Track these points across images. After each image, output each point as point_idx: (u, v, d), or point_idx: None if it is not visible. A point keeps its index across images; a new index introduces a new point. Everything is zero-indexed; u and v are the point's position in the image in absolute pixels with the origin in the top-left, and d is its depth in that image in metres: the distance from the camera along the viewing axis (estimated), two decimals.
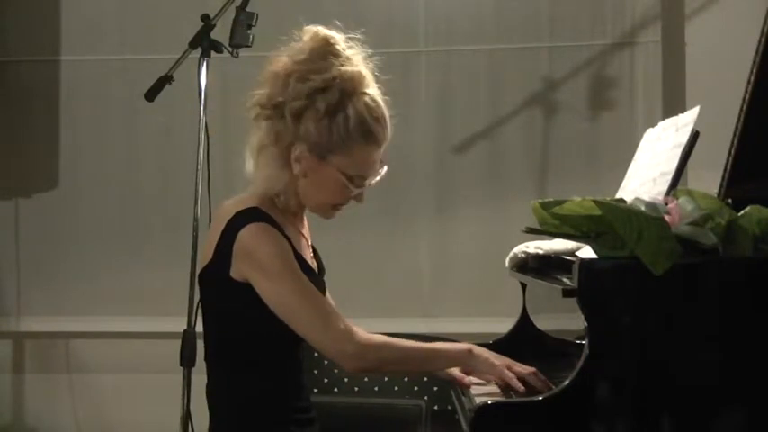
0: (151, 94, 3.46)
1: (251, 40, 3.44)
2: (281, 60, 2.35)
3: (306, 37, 2.38)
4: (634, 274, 1.98)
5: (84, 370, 4.70)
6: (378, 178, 2.44)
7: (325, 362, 4.08)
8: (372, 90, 2.38)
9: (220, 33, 3.46)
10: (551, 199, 2.07)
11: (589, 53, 4.46)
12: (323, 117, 2.29)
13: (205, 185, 3.36)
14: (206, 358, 2.46)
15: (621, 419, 2.00)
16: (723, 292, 2.02)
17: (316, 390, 4.05)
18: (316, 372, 4.08)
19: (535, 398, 2.03)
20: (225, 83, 4.38)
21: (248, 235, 2.28)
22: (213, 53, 3.44)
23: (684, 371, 2.00)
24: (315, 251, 2.56)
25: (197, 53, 3.45)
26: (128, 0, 4.68)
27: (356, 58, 2.37)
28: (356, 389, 4.08)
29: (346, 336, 2.30)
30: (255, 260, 2.28)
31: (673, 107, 4.08)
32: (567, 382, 1.98)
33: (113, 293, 4.57)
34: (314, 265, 2.50)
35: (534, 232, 2.11)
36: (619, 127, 4.40)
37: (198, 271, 2.44)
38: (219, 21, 3.44)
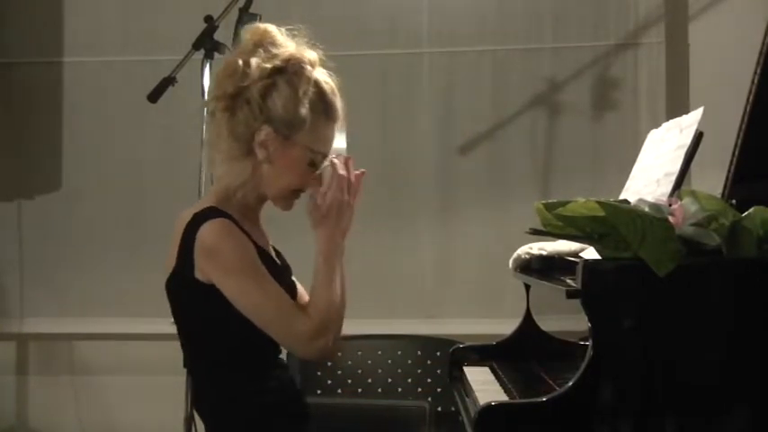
0: (154, 96, 3.46)
1: None
2: (232, 59, 2.42)
3: (248, 35, 2.44)
4: (638, 275, 1.98)
5: (88, 372, 4.70)
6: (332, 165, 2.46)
7: (329, 363, 4.09)
8: (324, 69, 2.45)
9: (223, 35, 3.46)
10: (555, 200, 2.07)
11: (593, 54, 4.46)
12: (288, 93, 2.35)
13: (208, 187, 3.35)
14: (188, 369, 2.48)
15: (625, 420, 2.00)
16: (726, 293, 2.02)
17: (319, 391, 4.05)
18: (319, 373, 4.09)
19: (539, 399, 2.03)
20: None
21: (207, 232, 2.30)
22: (216, 54, 3.44)
23: (688, 372, 2.00)
24: (278, 252, 2.58)
25: (200, 54, 3.45)
26: (130, 1, 4.68)
27: (302, 42, 2.45)
28: (359, 390, 4.09)
29: (308, 333, 2.32)
30: (217, 257, 2.30)
31: (676, 108, 4.08)
32: (570, 383, 1.98)
33: (117, 295, 4.57)
34: (277, 261, 2.52)
35: (538, 233, 2.10)
36: (622, 128, 4.40)
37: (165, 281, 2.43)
38: (222, 22, 3.44)
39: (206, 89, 3.39)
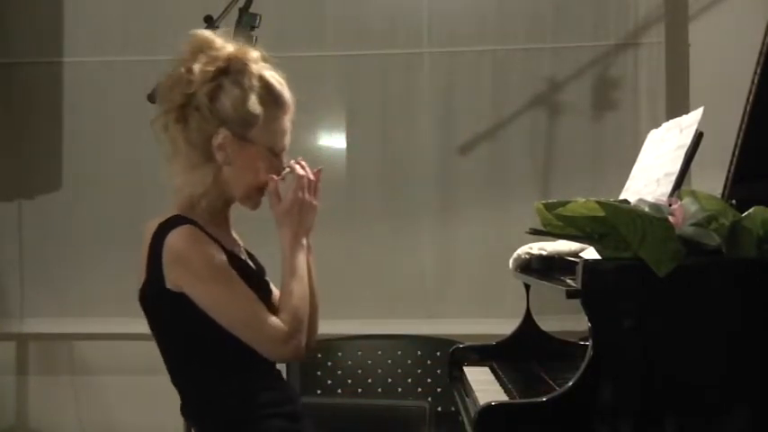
0: (154, 96, 3.46)
1: (254, 41, 3.44)
2: (173, 70, 2.41)
3: (186, 44, 2.43)
4: (638, 275, 1.98)
5: (88, 372, 4.70)
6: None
7: (329, 363, 4.09)
8: (267, 63, 2.44)
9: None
10: (555, 200, 2.07)
11: (592, 54, 4.46)
12: (235, 92, 2.35)
13: None
14: (173, 380, 2.46)
15: (625, 420, 2.00)
16: (726, 293, 2.02)
17: (319, 391, 4.06)
18: (319, 373, 4.09)
19: (539, 399, 2.03)
20: None
21: (174, 241, 2.31)
22: None
23: (688, 372, 2.00)
24: (251, 255, 2.58)
25: None
26: (131, 2, 4.68)
27: (240, 42, 2.46)
28: (360, 390, 4.09)
29: (279, 336, 2.32)
30: (185, 264, 2.30)
31: (676, 108, 4.08)
32: (570, 383, 1.98)
33: (117, 295, 4.54)
34: (249, 262, 2.52)
35: (538, 233, 2.10)
36: (622, 128, 4.40)
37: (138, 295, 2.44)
38: (222, 22, 3.44)
39: None
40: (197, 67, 2.35)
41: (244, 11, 3.41)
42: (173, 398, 3.43)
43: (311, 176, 2.45)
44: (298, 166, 2.44)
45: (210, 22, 3.41)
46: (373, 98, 4.58)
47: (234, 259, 2.38)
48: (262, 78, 2.39)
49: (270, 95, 2.39)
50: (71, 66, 4.69)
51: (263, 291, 2.44)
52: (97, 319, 4.62)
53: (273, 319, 2.33)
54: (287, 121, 2.44)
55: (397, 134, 4.57)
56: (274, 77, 2.41)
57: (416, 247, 4.54)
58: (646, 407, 1.98)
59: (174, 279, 2.31)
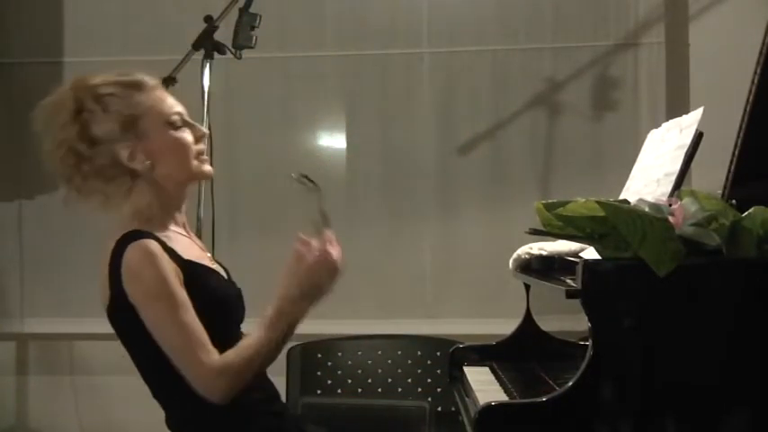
0: None
1: (254, 41, 3.45)
2: (45, 149, 2.41)
3: (35, 123, 2.42)
4: (638, 275, 1.98)
5: (88, 372, 4.69)
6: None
7: (329, 363, 4.09)
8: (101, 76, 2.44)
9: (224, 35, 3.46)
10: (555, 200, 2.07)
11: (592, 54, 4.46)
12: (99, 114, 2.34)
13: (208, 187, 3.36)
14: (153, 395, 2.47)
15: (625, 420, 1.99)
16: (726, 293, 2.02)
17: (319, 391, 4.05)
18: (319, 373, 4.09)
19: (539, 399, 2.03)
20: (228, 84, 4.39)
21: (130, 256, 2.32)
22: (216, 54, 3.44)
23: (688, 372, 2.00)
24: (219, 263, 2.57)
25: (200, 55, 3.45)
26: (131, 1, 4.68)
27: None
28: (359, 390, 4.09)
29: (212, 373, 2.27)
30: (137, 282, 2.31)
31: (676, 108, 4.08)
32: (570, 384, 1.98)
33: None
34: (213, 266, 2.51)
35: (538, 233, 2.10)
36: (622, 128, 4.41)
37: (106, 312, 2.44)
38: (223, 22, 3.44)
39: (206, 89, 3.39)
40: (58, 128, 2.36)
41: (244, 11, 3.42)
42: None
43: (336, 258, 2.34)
44: (334, 250, 2.34)
45: (210, 22, 3.41)
46: (373, 98, 4.58)
47: (195, 266, 2.37)
48: (105, 84, 2.38)
49: (123, 88, 2.38)
50: (71, 66, 4.69)
51: (232, 294, 2.45)
52: (97, 320, 4.57)
53: (212, 355, 2.27)
54: (157, 94, 2.42)
55: (397, 134, 4.57)
56: (115, 74, 2.40)
57: (416, 247, 4.54)
58: (646, 407, 1.98)
59: (131, 294, 2.32)
